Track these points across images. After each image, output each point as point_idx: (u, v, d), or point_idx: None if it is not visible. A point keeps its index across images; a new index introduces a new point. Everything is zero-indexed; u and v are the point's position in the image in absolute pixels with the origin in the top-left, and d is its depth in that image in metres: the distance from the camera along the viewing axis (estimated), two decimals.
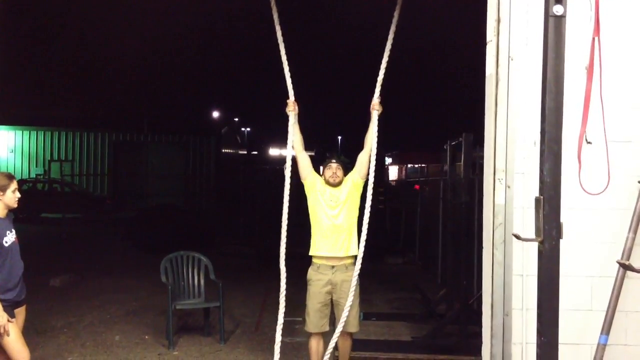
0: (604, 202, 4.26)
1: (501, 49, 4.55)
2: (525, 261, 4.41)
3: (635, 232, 4.15)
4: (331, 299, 5.41)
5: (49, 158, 25.64)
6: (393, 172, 40.08)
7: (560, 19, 3.04)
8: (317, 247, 5.39)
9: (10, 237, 4.59)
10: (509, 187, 4.53)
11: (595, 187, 3.79)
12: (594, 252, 4.40)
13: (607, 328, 4.17)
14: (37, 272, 8.21)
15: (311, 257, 5.48)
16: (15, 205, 4.66)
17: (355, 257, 5.32)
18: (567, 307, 4.11)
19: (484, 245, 4.72)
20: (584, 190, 3.33)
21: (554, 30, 3.04)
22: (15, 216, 4.86)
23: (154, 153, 25.83)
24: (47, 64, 23.12)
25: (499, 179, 4.60)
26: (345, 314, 5.15)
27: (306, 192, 5.49)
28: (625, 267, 3.98)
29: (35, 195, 20.92)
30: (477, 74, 5.00)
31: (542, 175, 3.10)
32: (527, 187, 4.37)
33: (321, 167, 5.42)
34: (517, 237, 3.64)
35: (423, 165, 26.69)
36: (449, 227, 8.66)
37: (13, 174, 5.01)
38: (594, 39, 2.95)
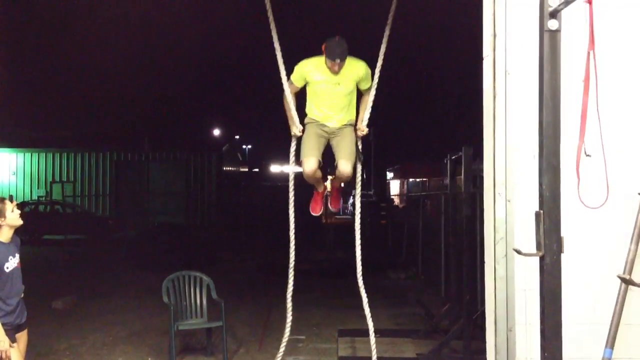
0: (605, 215, 4.24)
1: (498, 63, 4.56)
2: (527, 275, 4.38)
3: (637, 244, 4.13)
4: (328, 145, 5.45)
5: (51, 179, 25.68)
6: (395, 187, 40.08)
7: (555, 34, 3.05)
8: (315, 116, 5.37)
9: (12, 263, 4.57)
10: (509, 201, 4.52)
11: (595, 200, 3.78)
12: (595, 265, 4.37)
13: (611, 342, 4.13)
14: (39, 295, 8.21)
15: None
16: (21, 222, 4.64)
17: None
18: (570, 321, 4.08)
19: (485, 260, 4.70)
20: (583, 204, 3.33)
21: (549, 45, 3.06)
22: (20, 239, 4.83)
23: (155, 172, 25.86)
24: (47, 86, 23.23)
25: (498, 193, 4.59)
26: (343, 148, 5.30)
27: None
28: (626, 282, 3.96)
29: (38, 217, 20.94)
30: (476, 86, 5.00)
31: (542, 189, 3.10)
32: (528, 200, 4.35)
33: (323, 47, 5.09)
34: (518, 252, 3.62)
35: (424, 179, 26.67)
36: (451, 241, 8.64)
37: (5, 197, 4.88)
38: (589, 52, 2.95)
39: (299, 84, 5.29)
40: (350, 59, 5.12)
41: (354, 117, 5.40)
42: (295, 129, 5.31)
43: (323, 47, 5.02)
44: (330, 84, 5.16)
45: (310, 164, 5.28)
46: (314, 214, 5.84)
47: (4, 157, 25.21)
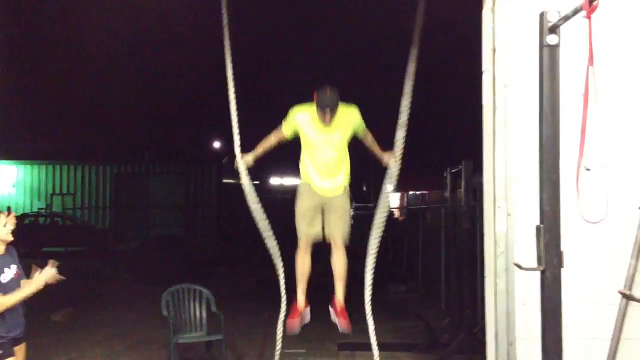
0: (605, 229, 4.24)
1: (497, 78, 4.58)
2: (528, 289, 4.37)
3: (637, 259, 4.14)
4: (322, 215, 5.15)
5: (51, 192, 25.64)
6: (394, 200, 40.00)
7: (554, 49, 3.06)
8: (311, 181, 5.10)
9: (9, 274, 4.51)
10: (509, 215, 4.52)
11: (595, 214, 3.78)
12: (596, 280, 4.37)
13: (612, 356, 4.12)
14: (38, 307, 8.18)
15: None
16: (11, 238, 4.53)
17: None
18: (570, 335, 4.06)
19: (485, 274, 4.70)
20: (584, 218, 3.34)
21: (548, 60, 3.07)
22: (18, 251, 4.77)
23: (154, 184, 25.80)
24: (47, 99, 23.30)
25: (499, 207, 4.60)
26: (337, 225, 5.05)
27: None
28: (627, 297, 3.96)
29: (37, 230, 20.92)
30: (476, 100, 5.02)
31: (542, 204, 3.10)
32: (528, 214, 4.36)
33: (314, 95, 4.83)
34: (519, 266, 3.62)
35: (425, 192, 26.63)
36: (451, 254, 8.63)
37: (2, 209, 4.78)
38: (588, 68, 2.97)
39: (287, 133, 5.02)
40: (342, 107, 4.88)
41: (348, 181, 5.16)
42: (239, 162, 5.14)
43: (314, 96, 4.81)
44: (323, 134, 4.91)
45: (305, 244, 5.09)
46: (290, 331, 5.29)
47: (4, 169, 25.18)
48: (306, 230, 5.09)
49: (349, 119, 4.97)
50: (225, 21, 5.07)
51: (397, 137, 5.05)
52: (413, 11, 5.07)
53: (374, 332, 5.03)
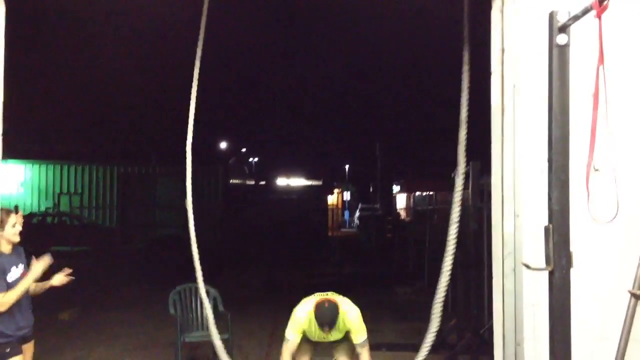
0: (615, 230, 4.23)
1: (506, 78, 4.57)
2: (536, 290, 4.36)
3: None
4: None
5: (59, 191, 25.75)
6: (401, 200, 40.00)
7: (564, 49, 3.05)
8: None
9: (15, 273, 4.50)
10: (517, 215, 4.51)
11: (605, 214, 3.77)
12: (605, 280, 4.35)
13: (620, 357, 4.10)
14: (46, 306, 8.23)
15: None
16: (17, 240, 4.50)
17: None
18: (579, 336, 4.05)
19: (493, 274, 4.69)
20: (593, 218, 3.33)
21: (558, 60, 3.06)
22: (26, 252, 4.77)
23: (161, 184, 25.88)
24: (55, 99, 23.39)
25: (507, 208, 4.58)
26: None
27: None
28: (637, 297, 3.94)
29: (45, 229, 21.01)
30: (484, 101, 5.01)
31: (551, 204, 3.09)
32: (536, 215, 4.35)
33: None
34: (527, 266, 3.61)
35: (431, 193, 26.61)
36: (458, 255, 8.60)
37: (12, 208, 4.67)
38: (598, 67, 2.96)
39: (299, 337, 5.11)
40: (342, 316, 4.94)
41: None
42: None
43: (314, 309, 4.89)
44: (323, 338, 5.12)
45: (293, 342, 5.09)
46: None
47: (12, 169, 25.30)
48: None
49: (349, 326, 5.04)
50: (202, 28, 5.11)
51: (460, 138, 5.03)
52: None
53: (434, 333, 5.10)
